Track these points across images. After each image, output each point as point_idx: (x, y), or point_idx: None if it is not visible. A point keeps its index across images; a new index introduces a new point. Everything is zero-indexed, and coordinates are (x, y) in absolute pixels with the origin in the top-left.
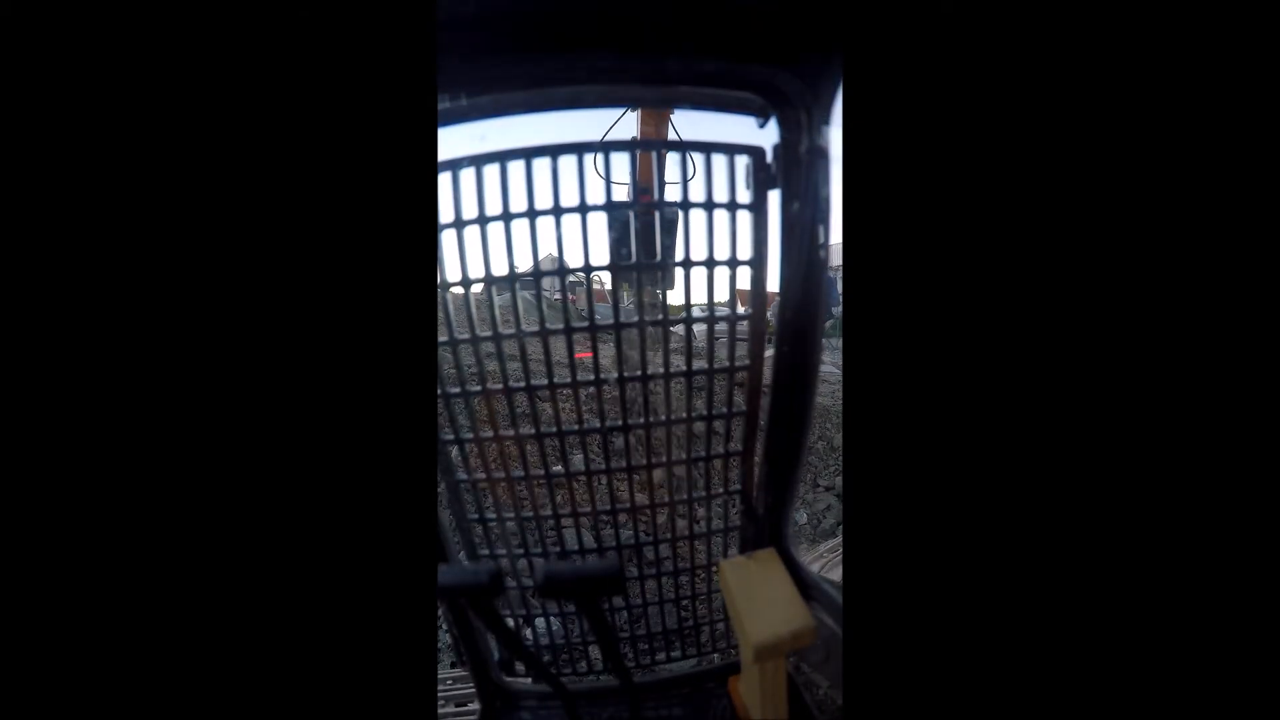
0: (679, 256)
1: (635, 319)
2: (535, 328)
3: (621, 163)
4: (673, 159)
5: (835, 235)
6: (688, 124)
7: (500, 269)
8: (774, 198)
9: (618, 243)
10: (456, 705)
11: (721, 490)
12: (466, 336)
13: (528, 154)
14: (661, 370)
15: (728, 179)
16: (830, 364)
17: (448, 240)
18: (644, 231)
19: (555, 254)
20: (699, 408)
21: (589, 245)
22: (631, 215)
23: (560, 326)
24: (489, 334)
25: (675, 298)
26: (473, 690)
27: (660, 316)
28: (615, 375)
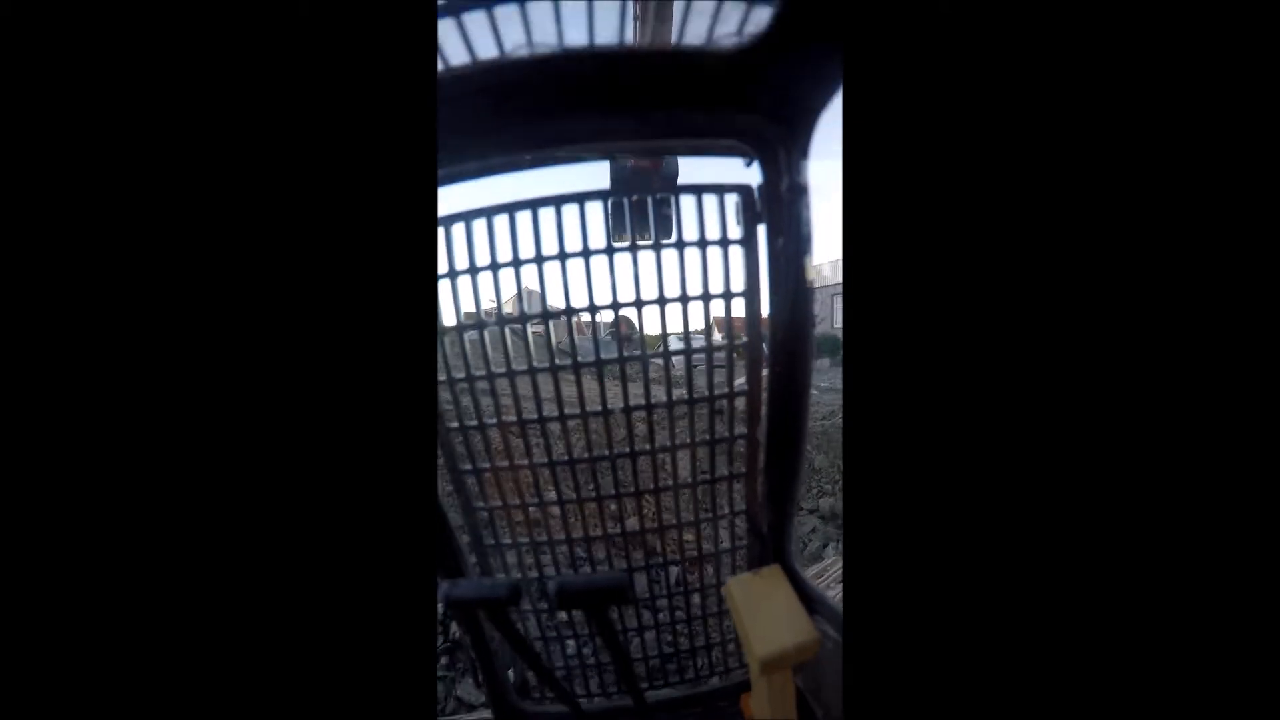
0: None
1: (639, 351)
2: (545, 364)
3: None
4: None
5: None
6: (682, 165)
7: (510, 308)
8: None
9: (615, 221)
10: None
11: (727, 511)
12: (483, 374)
13: (534, 205)
14: (665, 400)
15: (719, 216)
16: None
17: (464, 285)
18: (639, 212)
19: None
20: (702, 433)
21: (593, 287)
22: (627, 201)
23: (569, 363)
24: (503, 371)
25: (674, 326)
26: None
27: (662, 348)
28: (622, 406)
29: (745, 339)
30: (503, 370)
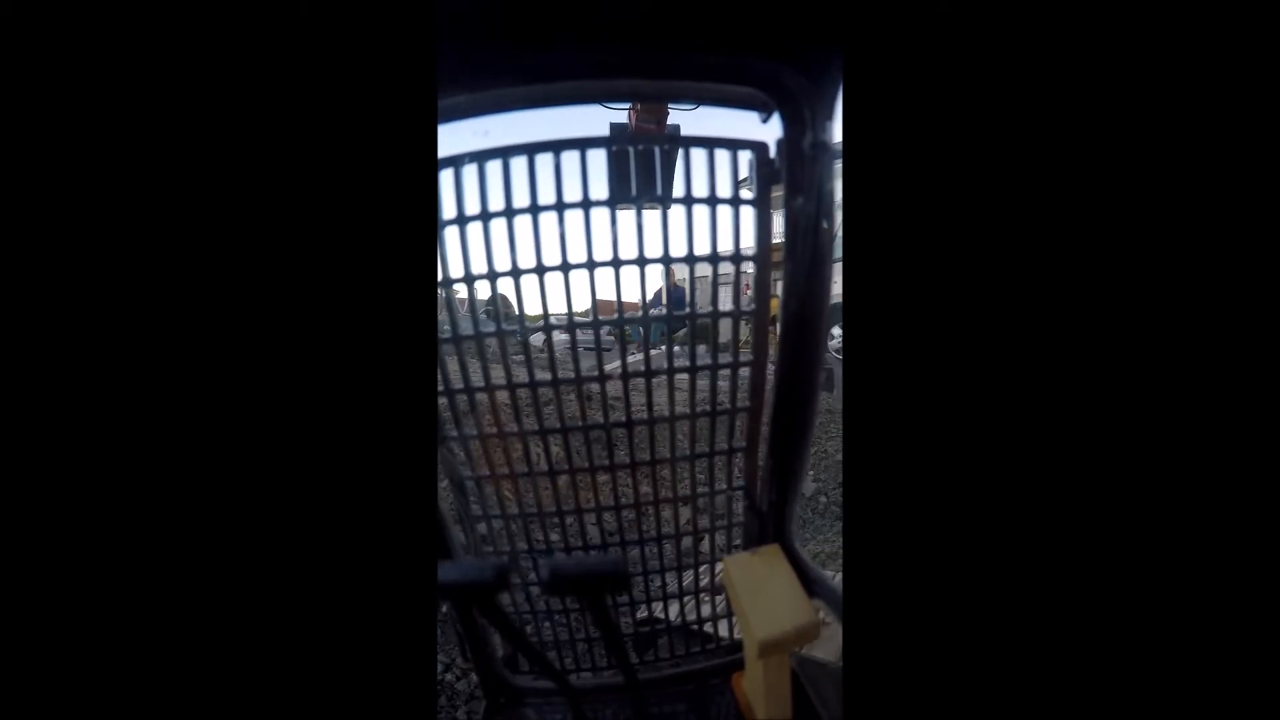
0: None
1: (641, 314)
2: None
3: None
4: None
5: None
6: (687, 119)
7: (504, 265)
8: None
9: (617, 177)
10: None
11: (725, 486)
12: (471, 333)
13: (530, 149)
14: (665, 367)
15: (730, 175)
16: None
17: (451, 237)
18: (644, 164)
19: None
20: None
21: (592, 240)
22: (632, 151)
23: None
24: (492, 330)
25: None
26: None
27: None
28: (620, 372)
29: (753, 305)
30: (492, 330)
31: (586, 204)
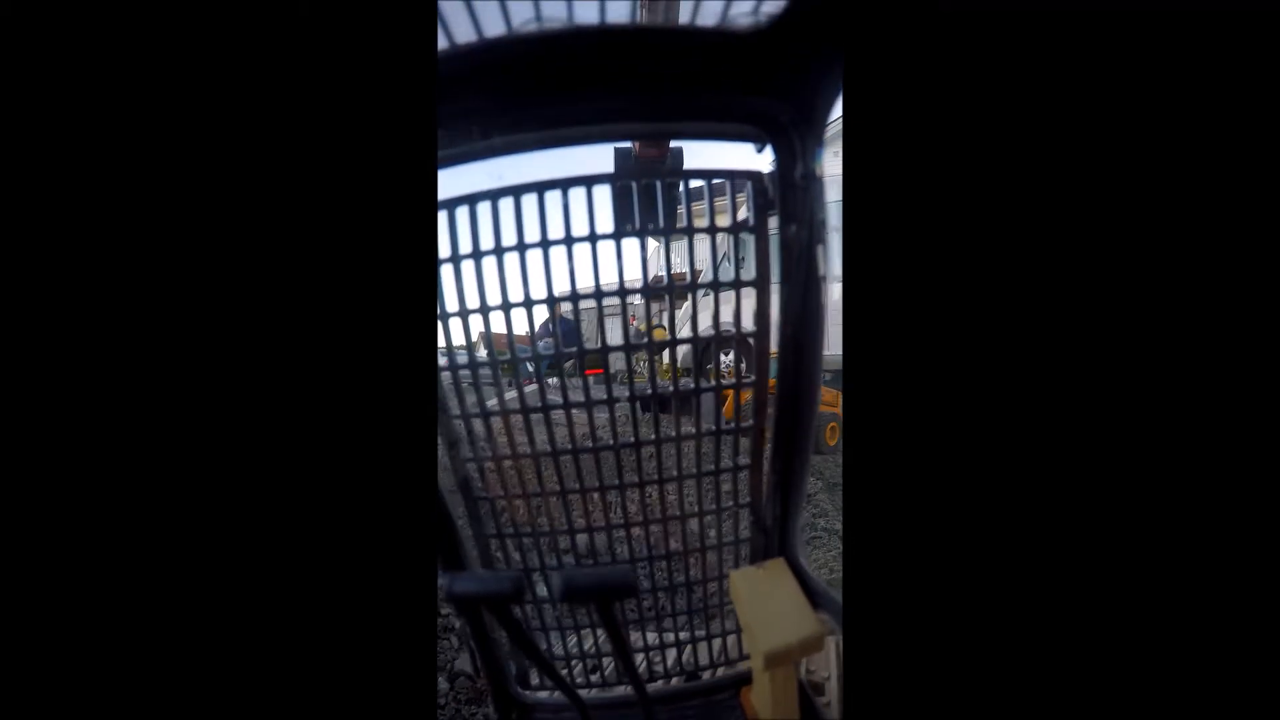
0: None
1: (645, 340)
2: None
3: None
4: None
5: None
6: (689, 151)
7: (516, 295)
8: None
9: (621, 209)
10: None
11: (731, 503)
12: (486, 359)
13: (540, 188)
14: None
15: (729, 204)
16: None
17: (467, 269)
18: (647, 196)
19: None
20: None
21: (599, 272)
22: (635, 185)
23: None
24: (507, 357)
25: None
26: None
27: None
28: (628, 394)
29: (754, 328)
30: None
31: (593, 238)
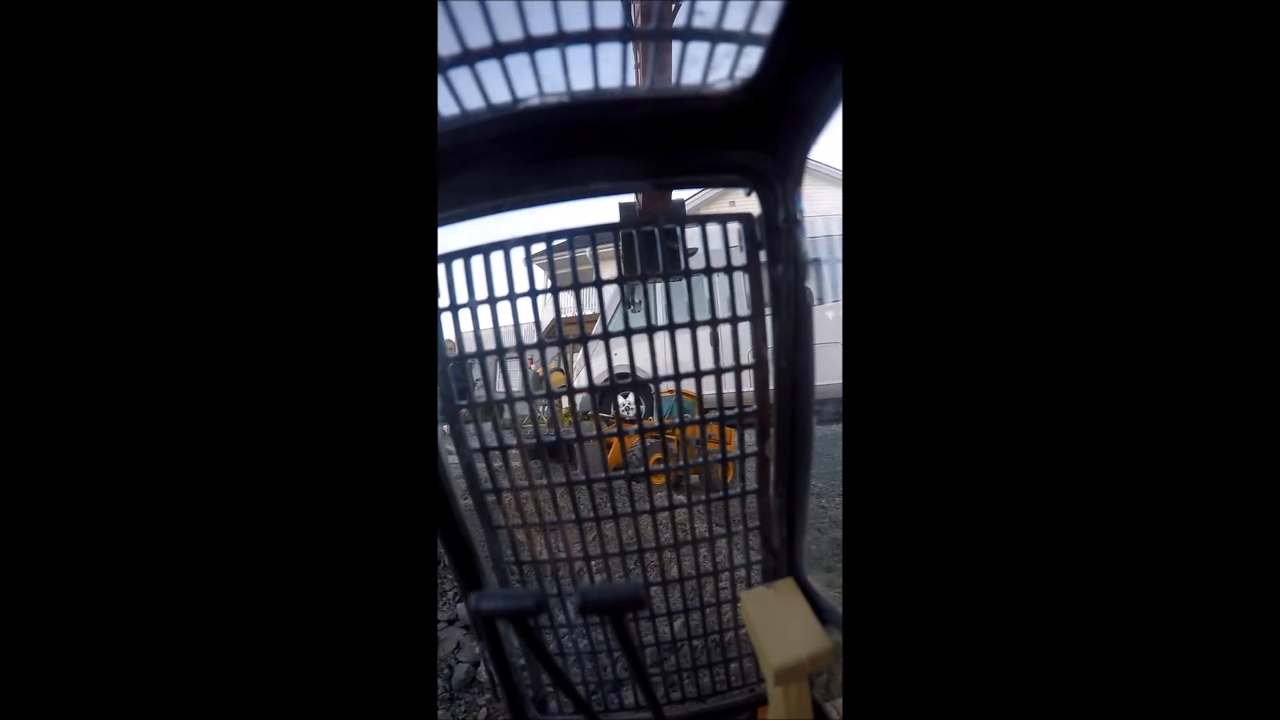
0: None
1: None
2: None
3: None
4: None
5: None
6: (687, 194)
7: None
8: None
9: (628, 257)
10: None
11: (741, 528)
12: (503, 396)
13: (548, 238)
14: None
15: (722, 245)
16: None
17: (483, 313)
18: (646, 246)
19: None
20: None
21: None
22: (636, 233)
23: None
24: (522, 394)
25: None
26: None
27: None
28: (638, 424)
29: (753, 360)
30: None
31: (599, 283)
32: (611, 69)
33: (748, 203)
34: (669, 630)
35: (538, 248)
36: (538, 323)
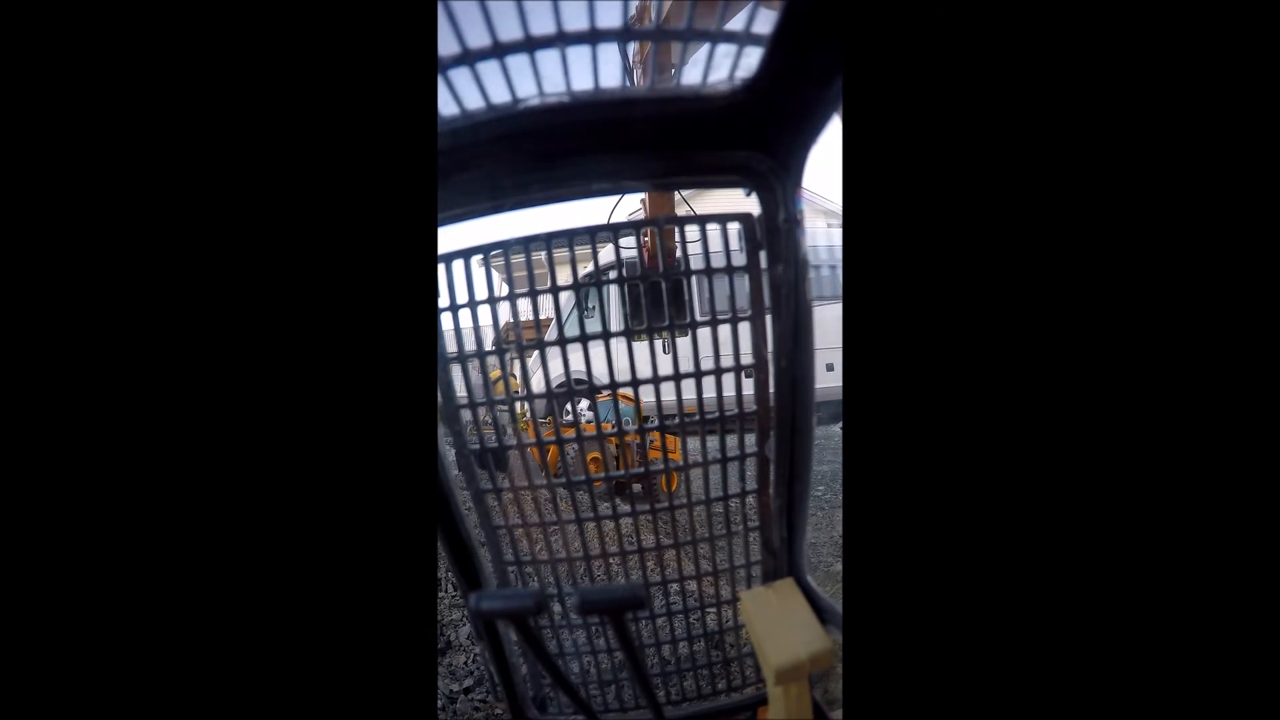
0: (688, 320)
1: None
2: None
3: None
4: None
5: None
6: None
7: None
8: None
9: (633, 311)
10: None
11: (741, 528)
12: (503, 397)
13: (549, 238)
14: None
15: (723, 244)
16: None
17: (483, 313)
18: (653, 299)
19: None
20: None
21: (607, 311)
22: (642, 287)
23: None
24: (522, 394)
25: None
26: None
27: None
28: (637, 426)
29: (753, 360)
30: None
31: (601, 283)
32: (611, 69)
33: (747, 203)
34: (669, 630)
35: (496, 252)
36: (496, 325)
